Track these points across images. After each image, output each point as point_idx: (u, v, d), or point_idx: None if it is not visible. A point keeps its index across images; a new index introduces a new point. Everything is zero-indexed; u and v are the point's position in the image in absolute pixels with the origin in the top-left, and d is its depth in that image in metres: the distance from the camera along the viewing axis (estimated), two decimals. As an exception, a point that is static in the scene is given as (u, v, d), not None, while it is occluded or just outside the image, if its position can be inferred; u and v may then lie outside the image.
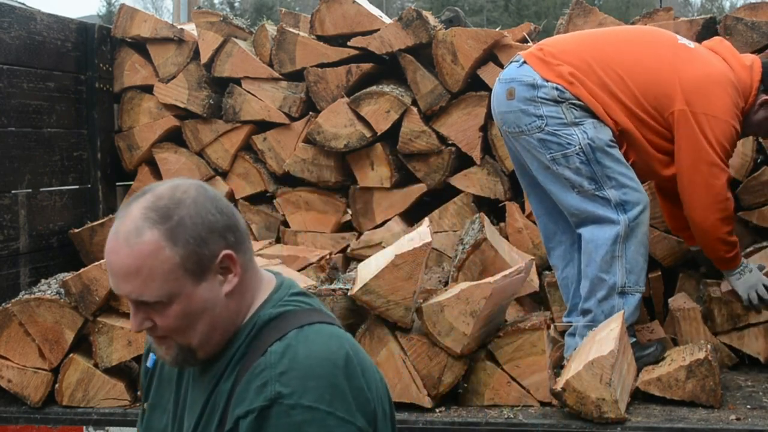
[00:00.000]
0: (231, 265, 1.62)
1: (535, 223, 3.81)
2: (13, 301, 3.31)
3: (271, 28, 4.26)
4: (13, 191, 3.72)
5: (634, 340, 3.22)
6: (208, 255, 1.59)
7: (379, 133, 4.01)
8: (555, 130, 3.16)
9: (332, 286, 3.13)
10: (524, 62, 3.26)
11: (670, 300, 3.61)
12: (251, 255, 1.68)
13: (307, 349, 1.57)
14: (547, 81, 3.18)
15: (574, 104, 3.17)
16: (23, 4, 4.29)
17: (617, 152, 3.18)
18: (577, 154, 3.14)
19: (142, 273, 1.56)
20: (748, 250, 3.52)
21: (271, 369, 1.54)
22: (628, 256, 3.15)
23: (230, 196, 4.30)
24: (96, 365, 3.23)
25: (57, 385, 3.24)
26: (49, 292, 3.33)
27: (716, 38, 3.51)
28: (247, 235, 1.67)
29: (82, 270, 3.24)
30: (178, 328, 1.60)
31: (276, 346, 1.57)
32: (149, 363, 1.83)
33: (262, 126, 4.24)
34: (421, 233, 3.03)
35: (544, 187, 3.29)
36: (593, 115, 3.17)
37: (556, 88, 3.17)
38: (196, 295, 1.59)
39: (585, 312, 3.22)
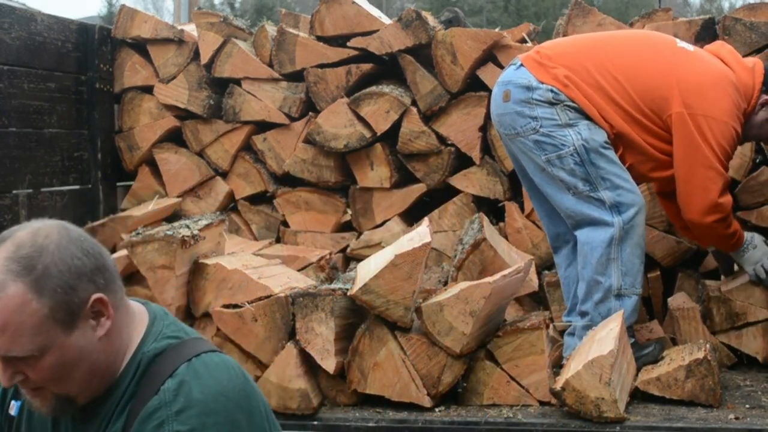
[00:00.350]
0: (102, 308, 1.56)
1: (534, 222, 3.83)
2: (13, 301, 3.31)
3: (271, 29, 4.26)
4: (13, 191, 3.73)
5: (633, 340, 3.23)
6: (77, 302, 1.52)
7: (378, 134, 4.01)
8: (549, 131, 3.17)
9: (332, 286, 3.12)
10: (521, 65, 3.27)
11: (669, 299, 3.61)
12: (122, 293, 1.63)
13: (200, 384, 1.54)
14: (542, 83, 3.18)
15: (568, 106, 3.17)
16: (24, 4, 4.30)
17: (612, 154, 3.18)
18: (572, 155, 3.15)
19: (9, 329, 1.47)
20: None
21: (166, 408, 1.51)
22: (624, 258, 3.15)
23: (230, 196, 4.31)
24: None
25: (57, 385, 3.24)
26: (49, 292, 3.33)
27: (717, 42, 3.50)
28: (116, 272, 1.61)
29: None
30: (53, 379, 1.54)
31: (169, 384, 1.54)
32: (14, 411, 1.73)
33: (262, 126, 4.24)
34: (421, 233, 3.03)
35: (541, 190, 3.30)
36: (588, 117, 3.17)
37: (551, 90, 3.17)
38: (69, 344, 1.52)
39: (582, 314, 3.23)
